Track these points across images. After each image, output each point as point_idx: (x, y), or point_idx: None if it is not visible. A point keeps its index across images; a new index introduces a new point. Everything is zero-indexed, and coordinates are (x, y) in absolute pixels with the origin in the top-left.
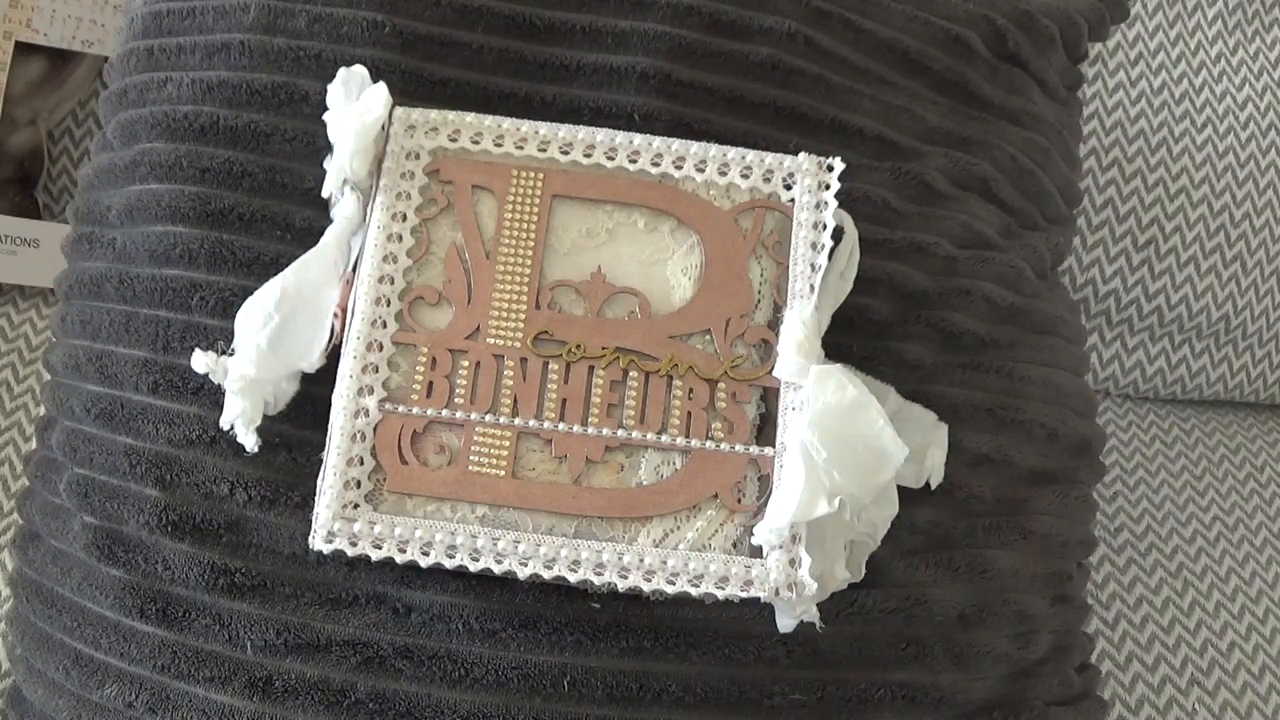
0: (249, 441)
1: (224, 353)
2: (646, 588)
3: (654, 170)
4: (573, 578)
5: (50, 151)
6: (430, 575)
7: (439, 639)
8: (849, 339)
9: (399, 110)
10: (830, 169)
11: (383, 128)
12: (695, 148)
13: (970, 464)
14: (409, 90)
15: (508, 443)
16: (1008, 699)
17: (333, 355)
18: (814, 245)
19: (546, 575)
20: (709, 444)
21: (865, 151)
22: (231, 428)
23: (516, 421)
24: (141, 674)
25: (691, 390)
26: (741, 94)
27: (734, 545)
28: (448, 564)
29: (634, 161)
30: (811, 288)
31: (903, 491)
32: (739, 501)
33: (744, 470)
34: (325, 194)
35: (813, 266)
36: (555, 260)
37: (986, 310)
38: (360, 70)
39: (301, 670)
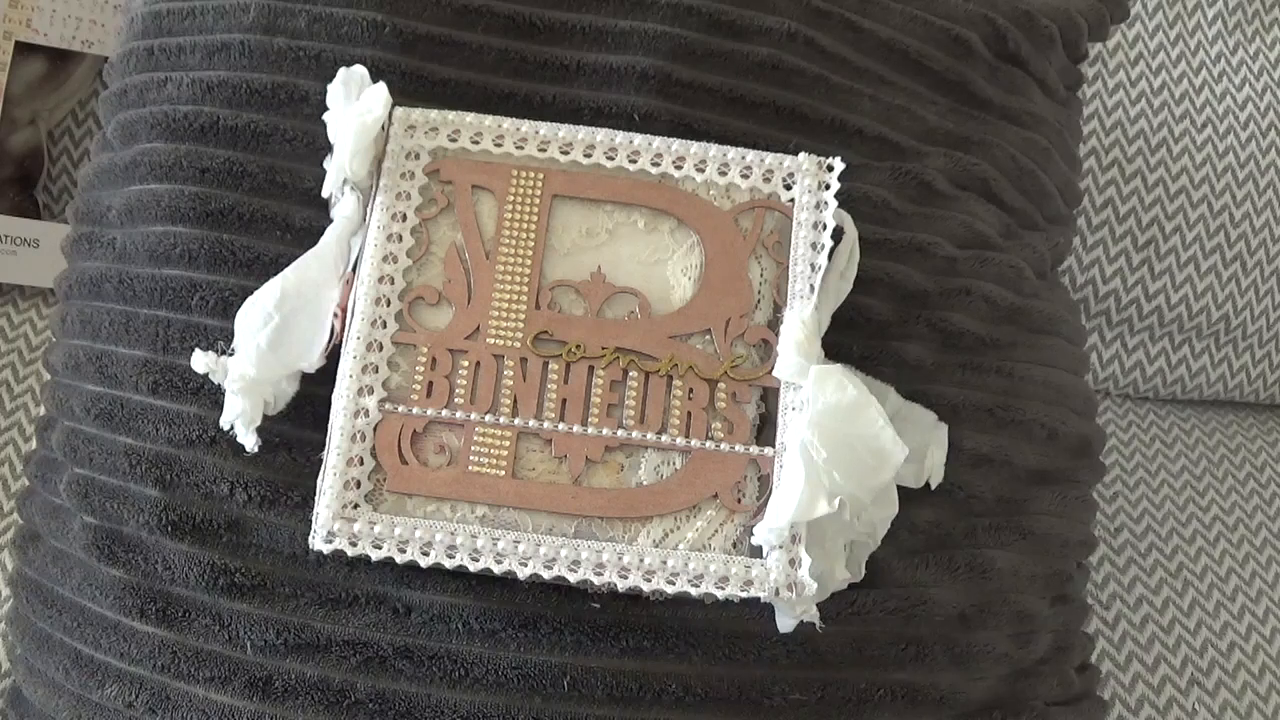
0: (249, 441)
1: (224, 353)
2: (646, 588)
3: (654, 170)
4: (573, 578)
5: (50, 151)
6: (430, 575)
7: (439, 639)
8: (849, 339)
9: (399, 110)
10: (830, 169)
11: (383, 128)
12: (695, 148)
13: (970, 464)
14: (409, 90)
15: (508, 443)
16: (1008, 699)
17: (333, 355)
18: (814, 245)
19: (546, 575)
20: (709, 444)
21: (865, 151)
22: (231, 428)
23: (516, 421)
24: (141, 674)
25: (691, 390)
26: (741, 94)
27: (734, 545)
28: (448, 564)
29: (634, 161)
30: (811, 288)
31: (903, 491)
32: (739, 501)
33: (744, 470)
34: (325, 194)
35: (813, 266)
36: (555, 260)
37: (986, 310)
38: (360, 70)
39: (301, 670)
